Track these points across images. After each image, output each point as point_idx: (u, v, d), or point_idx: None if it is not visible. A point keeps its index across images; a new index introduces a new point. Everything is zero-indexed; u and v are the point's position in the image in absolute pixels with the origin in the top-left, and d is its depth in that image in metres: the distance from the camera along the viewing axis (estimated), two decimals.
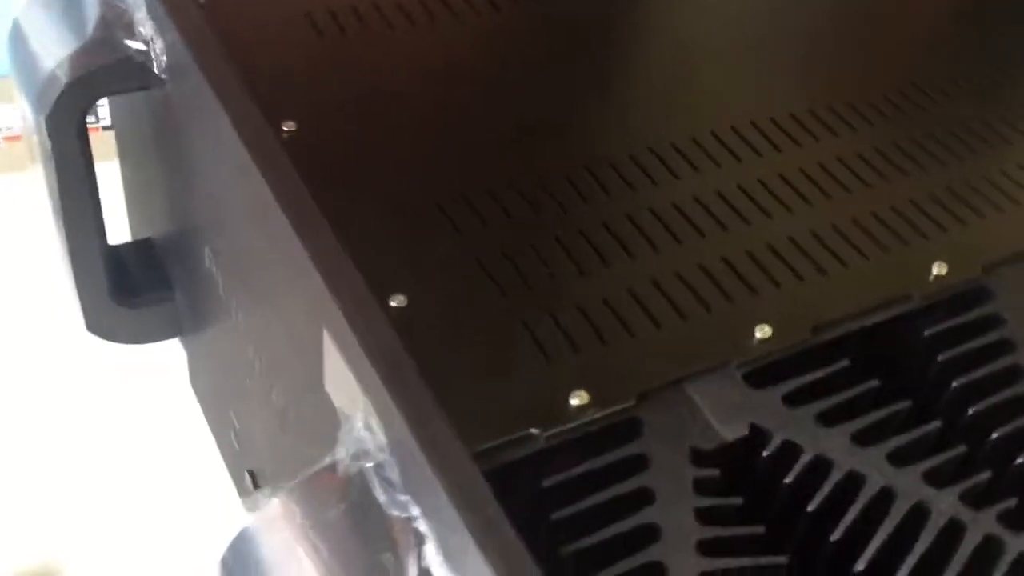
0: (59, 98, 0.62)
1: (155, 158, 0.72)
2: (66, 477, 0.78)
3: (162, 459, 0.81)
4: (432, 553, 0.42)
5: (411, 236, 0.51)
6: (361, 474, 0.45)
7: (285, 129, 0.53)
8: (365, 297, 0.45)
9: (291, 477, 0.57)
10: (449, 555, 0.40)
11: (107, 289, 0.74)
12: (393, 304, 0.46)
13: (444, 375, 0.43)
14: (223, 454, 0.78)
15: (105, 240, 0.72)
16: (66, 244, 0.70)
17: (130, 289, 0.77)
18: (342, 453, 0.45)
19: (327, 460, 0.46)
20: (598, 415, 0.44)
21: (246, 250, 0.56)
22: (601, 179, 0.55)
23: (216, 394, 0.74)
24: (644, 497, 0.42)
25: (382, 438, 0.45)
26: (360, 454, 0.45)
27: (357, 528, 0.44)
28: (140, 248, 0.80)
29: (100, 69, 0.62)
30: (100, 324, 0.76)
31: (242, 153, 0.51)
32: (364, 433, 0.45)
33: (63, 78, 0.62)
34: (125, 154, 0.82)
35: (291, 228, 0.48)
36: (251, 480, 0.70)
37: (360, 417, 0.45)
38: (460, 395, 0.43)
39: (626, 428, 0.45)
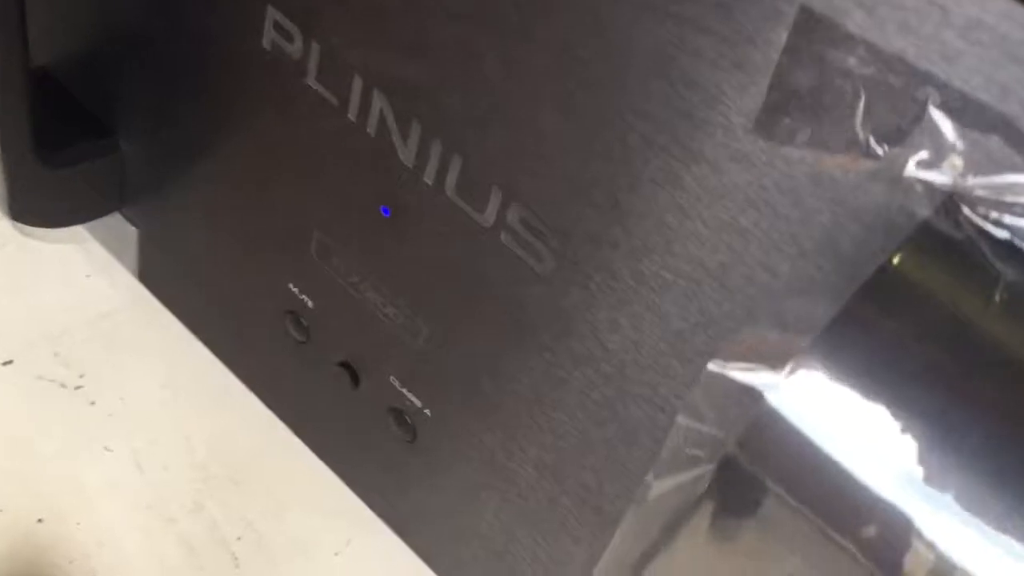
0: None
1: None
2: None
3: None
4: None
5: None
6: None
7: None
8: None
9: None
10: None
11: (30, 144, 0.48)
12: None
13: None
14: (237, 350, 0.55)
15: (28, 62, 0.45)
16: None
17: (55, 141, 0.50)
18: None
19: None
20: None
21: None
22: None
23: (243, 267, 0.50)
24: None
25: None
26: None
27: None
28: (42, 80, 0.52)
29: None
30: (27, 201, 0.49)
31: None
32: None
33: None
34: None
35: None
36: (349, 376, 0.48)
37: None
38: None
39: None
